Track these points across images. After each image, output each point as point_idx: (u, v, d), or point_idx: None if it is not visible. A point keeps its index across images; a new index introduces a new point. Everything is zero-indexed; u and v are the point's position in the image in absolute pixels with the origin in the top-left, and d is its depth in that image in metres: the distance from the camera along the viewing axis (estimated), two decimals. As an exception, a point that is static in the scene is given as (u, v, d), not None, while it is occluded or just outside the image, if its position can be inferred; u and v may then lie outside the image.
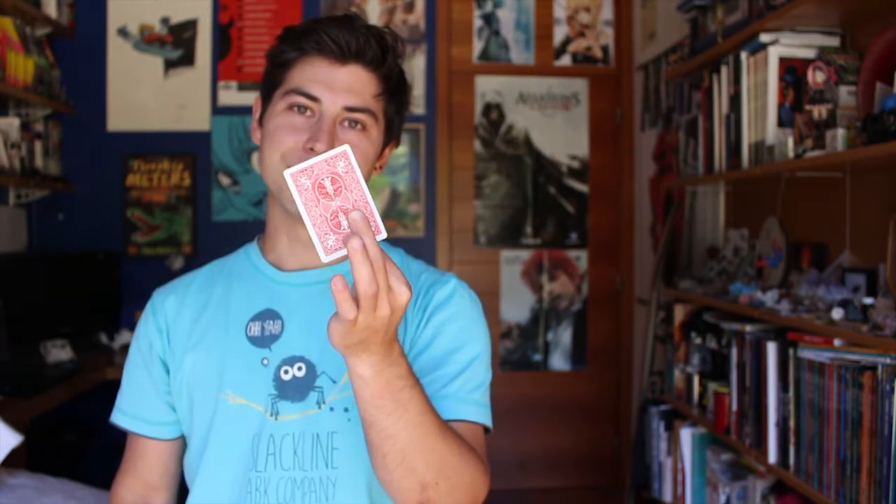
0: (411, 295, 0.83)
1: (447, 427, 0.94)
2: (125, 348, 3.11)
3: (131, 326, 3.20)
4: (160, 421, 1.15)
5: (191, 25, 3.65)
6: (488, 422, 1.07)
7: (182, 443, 1.17)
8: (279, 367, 1.08)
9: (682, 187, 2.97)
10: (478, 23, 3.80)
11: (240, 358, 1.09)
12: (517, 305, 3.82)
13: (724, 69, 2.29)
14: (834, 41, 2.05)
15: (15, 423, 2.06)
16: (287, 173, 0.82)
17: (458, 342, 1.07)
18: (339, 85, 1.05)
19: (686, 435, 2.45)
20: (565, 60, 3.85)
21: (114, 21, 3.62)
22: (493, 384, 1.13)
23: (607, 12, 3.85)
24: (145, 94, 3.63)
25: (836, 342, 1.72)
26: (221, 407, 1.08)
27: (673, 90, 3.19)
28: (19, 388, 2.49)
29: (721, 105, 2.32)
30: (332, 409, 1.06)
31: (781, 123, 2.04)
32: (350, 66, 1.06)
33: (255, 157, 3.56)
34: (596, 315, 3.88)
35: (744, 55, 2.16)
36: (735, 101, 2.22)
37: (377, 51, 1.07)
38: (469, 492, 0.97)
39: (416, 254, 1.21)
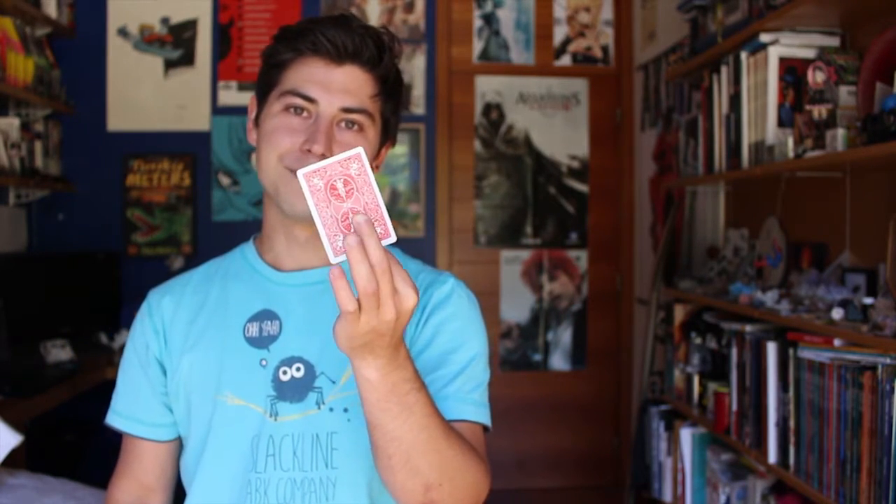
0: (418, 299, 0.82)
1: (451, 428, 0.95)
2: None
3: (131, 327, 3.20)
4: (156, 422, 1.14)
5: (191, 25, 3.65)
6: (488, 421, 1.08)
7: (178, 444, 1.17)
8: (278, 368, 1.07)
9: (682, 187, 2.97)
10: (478, 23, 3.80)
11: (238, 359, 1.08)
12: (517, 305, 3.82)
13: (724, 69, 2.29)
14: (834, 41, 2.05)
15: (15, 423, 2.06)
16: (300, 173, 0.82)
17: (457, 342, 1.07)
18: (336, 86, 1.05)
19: (686, 435, 2.45)
20: (565, 60, 3.85)
21: (114, 21, 3.62)
22: (492, 384, 1.13)
23: (607, 12, 3.85)
24: (145, 94, 3.62)
25: (836, 342, 1.72)
26: (220, 408, 1.07)
27: (673, 90, 3.19)
28: (19, 388, 2.49)
29: (721, 105, 2.32)
30: (331, 409, 1.06)
31: (781, 123, 2.04)
32: (346, 66, 1.05)
33: (254, 158, 3.55)
34: (596, 315, 3.88)
35: (744, 55, 2.16)
36: (735, 101, 2.22)
37: (374, 51, 1.06)
38: (471, 492, 0.97)
39: (416, 254, 1.21)
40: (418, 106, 3.74)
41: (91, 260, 3.37)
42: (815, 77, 1.86)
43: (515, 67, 3.82)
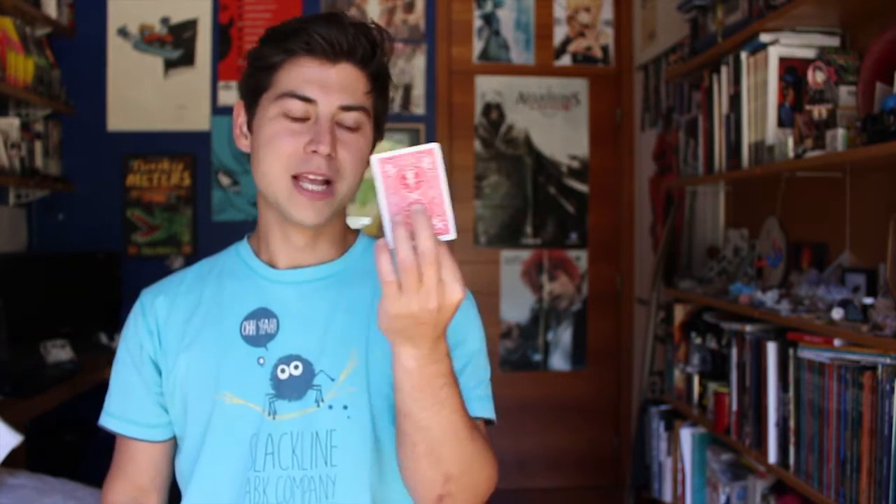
0: (464, 296, 0.84)
1: (474, 425, 0.97)
2: (125, 348, 3.10)
3: (131, 326, 3.20)
4: (151, 423, 1.13)
5: (191, 25, 3.65)
6: (493, 415, 1.10)
7: (173, 444, 1.16)
8: (276, 366, 1.07)
9: (682, 187, 2.97)
10: (478, 23, 3.80)
11: (235, 358, 1.08)
12: (517, 305, 3.82)
13: (724, 69, 2.29)
14: (834, 41, 2.05)
15: (15, 423, 2.06)
16: (375, 158, 0.84)
17: (459, 337, 1.08)
18: (333, 85, 1.04)
19: (686, 435, 2.45)
20: (565, 60, 3.85)
21: (114, 21, 3.62)
22: (492, 384, 1.13)
23: (607, 12, 3.85)
24: (145, 94, 3.62)
25: (836, 342, 1.72)
26: (218, 408, 1.07)
27: (673, 90, 3.19)
28: (19, 388, 2.49)
29: (721, 105, 2.32)
30: (330, 406, 1.06)
31: (781, 123, 2.04)
32: (341, 64, 1.05)
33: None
34: (596, 315, 3.88)
35: (744, 55, 2.16)
36: (735, 101, 2.22)
37: (367, 48, 1.06)
38: (484, 486, 1.00)
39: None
40: (418, 106, 3.74)
41: (91, 260, 3.37)
42: (815, 77, 1.86)
43: (515, 67, 3.82)
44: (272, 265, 1.13)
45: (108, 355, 3.12)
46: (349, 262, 1.14)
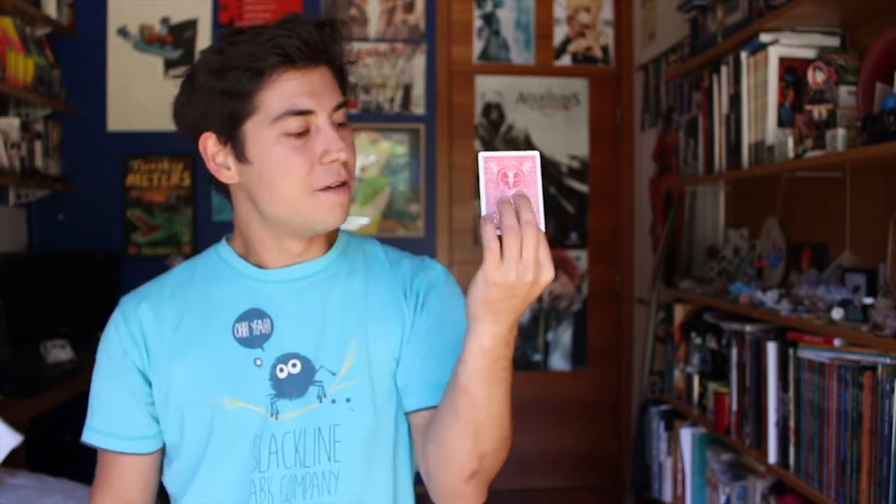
0: (552, 279, 0.88)
1: (510, 408, 1.01)
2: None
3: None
4: (140, 435, 1.10)
5: (191, 25, 3.65)
6: None
7: (161, 454, 1.13)
8: (274, 366, 1.06)
9: (682, 187, 2.97)
10: (478, 23, 3.80)
11: (231, 361, 1.07)
12: (517, 305, 3.81)
13: (724, 69, 2.29)
14: (834, 41, 2.05)
15: (15, 423, 2.06)
16: (482, 155, 0.89)
17: (463, 323, 1.10)
18: (320, 89, 1.02)
19: (686, 435, 2.45)
20: (565, 60, 3.85)
21: (114, 21, 3.62)
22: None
23: (607, 12, 3.85)
24: (145, 94, 3.62)
25: (836, 342, 1.72)
26: (219, 413, 1.05)
27: (673, 90, 3.19)
28: (19, 388, 2.50)
29: (721, 105, 2.32)
30: (333, 401, 1.06)
31: (781, 123, 2.04)
32: (318, 67, 1.03)
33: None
34: (596, 315, 3.88)
35: (744, 55, 2.16)
36: (735, 101, 2.22)
37: (332, 46, 1.04)
38: (500, 465, 1.05)
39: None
40: (418, 106, 3.74)
41: (91, 260, 3.37)
42: (815, 77, 1.86)
43: (515, 67, 3.82)
44: (260, 266, 1.11)
45: (108, 355, 3.13)
46: (335, 256, 1.14)
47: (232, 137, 1.03)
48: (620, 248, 3.85)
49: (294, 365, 1.07)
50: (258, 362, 1.07)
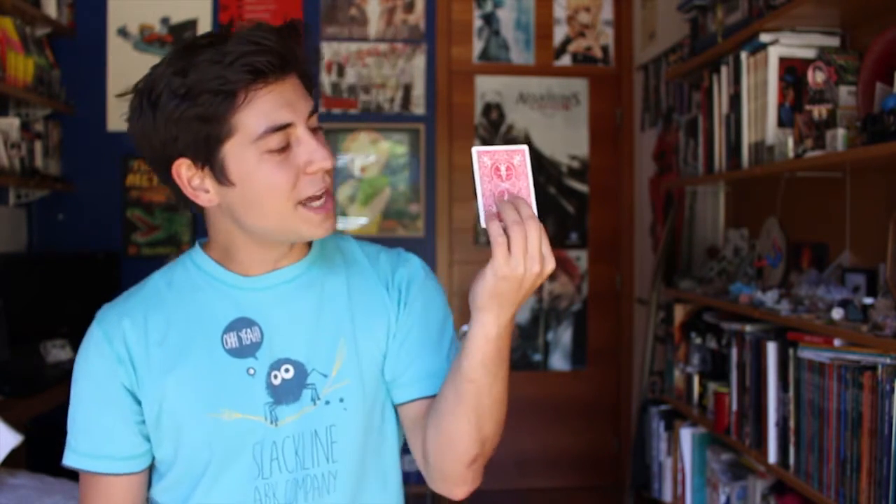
0: (553, 270, 0.92)
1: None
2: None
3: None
4: (130, 454, 1.06)
5: (191, 25, 3.65)
6: None
7: (149, 471, 1.10)
8: (269, 374, 1.05)
9: (682, 187, 2.97)
10: (478, 23, 3.80)
11: (224, 373, 1.05)
12: (517, 305, 3.81)
13: (724, 69, 2.29)
14: (834, 41, 2.05)
15: (15, 423, 2.06)
16: (476, 150, 0.94)
17: (444, 313, 1.16)
18: (294, 99, 1.00)
19: (686, 435, 2.45)
20: (565, 60, 3.85)
21: (114, 21, 3.62)
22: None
23: (607, 12, 3.85)
24: (145, 94, 3.62)
25: (836, 342, 1.72)
26: (217, 426, 1.04)
27: (673, 90, 3.19)
28: (19, 388, 2.49)
29: (721, 105, 2.32)
30: (327, 402, 1.07)
31: (781, 123, 2.04)
32: (287, 77, 1.00)
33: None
34: (596, 315, 3.88)
35: (744, 55, 2.16)
36: (735, 101, 2.22)
37: (297, 53, 1.02)
38: (495, 447, 1.07)
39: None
40: (418, 106, 3.74)
41: (91, 260, 3.37)
42: (815, 77, 1.86)
43: (515, 67, 3.82)
44: (243, 273, 1.09)
45: (108, 355, 3.13)
46: (315, 257, 1.13)
47: (209, 161, 0.99)
48: (620, 248, 3.85)
49: (287, 370, 1.06)
50: (251, 371, 1.05)
